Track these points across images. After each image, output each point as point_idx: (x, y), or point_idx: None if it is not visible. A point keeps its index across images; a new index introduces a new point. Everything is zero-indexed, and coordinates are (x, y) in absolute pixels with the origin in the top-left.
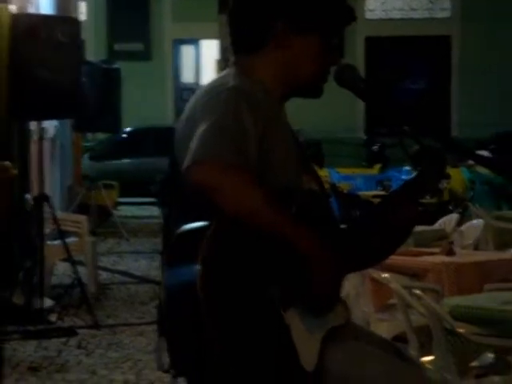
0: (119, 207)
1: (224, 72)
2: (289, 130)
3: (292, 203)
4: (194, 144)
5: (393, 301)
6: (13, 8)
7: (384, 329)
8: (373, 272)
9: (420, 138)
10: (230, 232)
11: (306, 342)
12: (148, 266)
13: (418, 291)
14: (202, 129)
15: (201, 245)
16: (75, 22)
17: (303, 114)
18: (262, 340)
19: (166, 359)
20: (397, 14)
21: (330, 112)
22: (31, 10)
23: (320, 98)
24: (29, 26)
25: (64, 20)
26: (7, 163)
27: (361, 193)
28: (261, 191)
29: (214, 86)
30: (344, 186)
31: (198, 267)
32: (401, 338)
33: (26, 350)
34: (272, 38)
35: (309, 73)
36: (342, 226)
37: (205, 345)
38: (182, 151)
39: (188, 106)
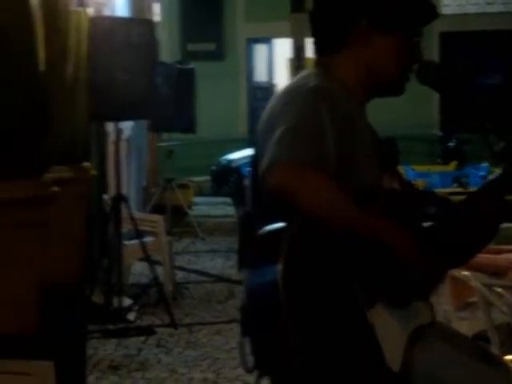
0: (194, 207)
1: (305, 72)
2: (369, 130)
3: (373, 202)
4: (272, 146)
5: (473, 299)
6: (90, 11)
7: (465, 327)
8: (453, 270)
9: (505, 134)
10: (311, 231)
11: (392, 341)
12: (223, 264)
13: (499, 289)
14: (280, 130)
15: (282, 245)
16: (150, 24)
17: (377, 112)
18: (346, 340)
19: (250, 359)
20: (472, 9)
21: (405, 109)
22: (107, 12)
23: (401, 95)
24: (105, 28)
25: (139, 22)
26: (87, 164)
27: (437, 190)
28: (340, 190)
29: (295, 87)
30: (420, 184)
31: (279, 267)
32: (481, 337)
33: (106, 349)
34: (355, 37)
35: (392, 71)
36: (425, 224)
37: (288, 345)
38: (262, 151)
39: (269, 107)
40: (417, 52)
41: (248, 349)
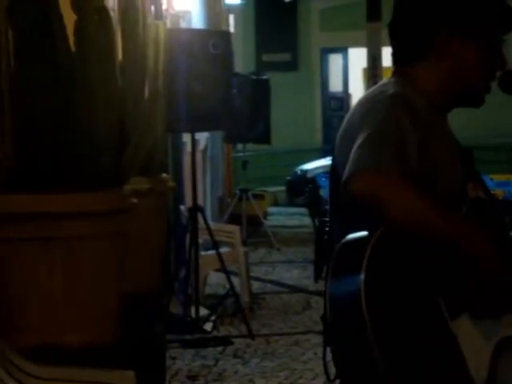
0: (269, 217)
1: (384, 81)
2: (451, 139)
3: (458, 211)
4: (354, 154)
5: None
6: (167, 23)
7: None
8: None
9: None
10: (393, 240)
11: (477, 353)
12: (299, 275)
13: None
14: (361, 138)
15: (365, 254)
16: (226, 35)
17: (454, 120)
18: (429, 351)
19: (332, 369)
20: None
21: (482, 117)
22: (183, 24)
23: (479, 107)
24: (183, 40)
25: (216, 33)
26: (165, 175)
27: None
28: (425, 198)
29: (374, 95)
30: (498, 193)
31: (362, 277)
32: None
33: (184, 359)
34: (435, 47)
35: (474, 80)
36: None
37: (371, 355)
38: (342, 160)
39: (347, 116)
40: (499, 60)
41: (330, 358)
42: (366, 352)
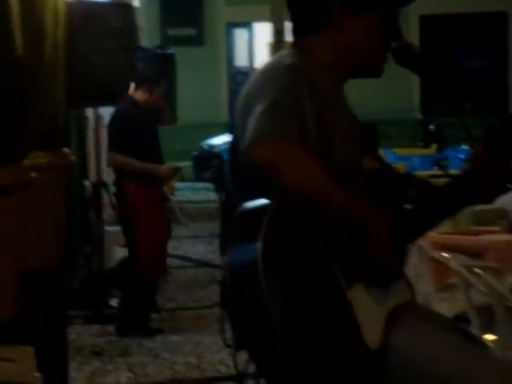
0: (176, 192)
1: (282, 52)
2: (348, 111)
3: (354, 181)
4: (252, 123)
5: (453, 280)
6: None
7: (445, 308)
8: (433, 252)
9: (481, 116)
10: (291, 209)
11: (370, 320)
12: (206, 250)
13: (478, 270)
14: (260, 108)
15: (262, 222)
16: (129, 8)
17: (357, 95)
18: (324, 317)
19: (229, 334)
20: None
21: (385, 92)
22: None
23: (380, 77)
24: (84, 13)
25: (118, 6)
26: (66, 150)
27: (417, 173)
28: (322, 167)
29: (272, 66)
30: (400, 167)
31: (259, 245)
32: (462, 318)
33: (88, 334)
34: (330, 20)
35: (368, 53)
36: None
37: (267, 320)
38: (241, 131)
39: (245, 87)
40: (393, 33)
41: (228, 323)
42: (263, 317)
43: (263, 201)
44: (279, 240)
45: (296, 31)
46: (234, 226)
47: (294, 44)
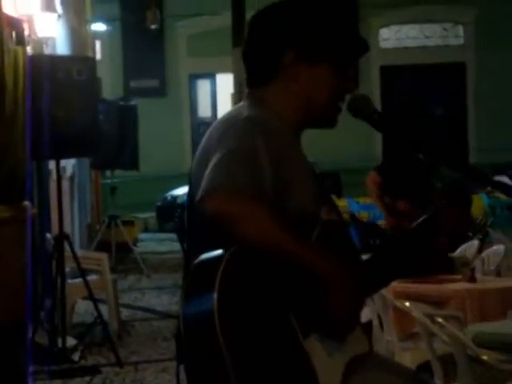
0: (139, 243)
1: (239, 104)
2: (305, 161)
3: (311, 232)
4: (207, 174)
5: (416, 329)
6: (29, 49)
7: (408, 358)
8: (395, 301)
9: (436, 166)
10: (246, 260)
11: (328, 371)
12: (170, 301)
13: (440, 319)
14: (215, 159)
15: (217, 273)
16: (90, 61)
17: (319, 145)
18: (282, 368)
19: None
20: (411, 43)
21: (347, 142)
22: (47, 50)
23: (334, 128)
24: (45, 66)
25: (80, 59)
26: (26, 203)
27: (380, 222)
28: (276, 218)
29: (228, 118)
30: (363, 216)
31: (214, 295)
32: (425, 367)
33: None
34: (283, 69)
35: (321, 104)
36: (362, 256)
37: (223, 375)
38: (198, 182)
39: (204, 139)
40: (348, 84)
41: (183, 377)
42: (219, 370)
43: (218, 252)
44: (235, 289)
45: (250, 81)
46: (188, 278)
47: (249, 95)
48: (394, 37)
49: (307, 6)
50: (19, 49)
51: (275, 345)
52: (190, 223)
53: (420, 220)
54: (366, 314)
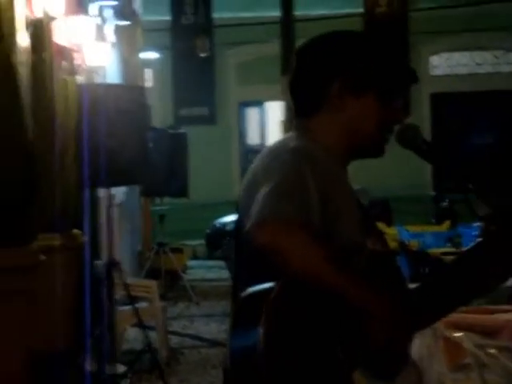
0: (188, 270)
1: (286, 135)
2: (351, 192)
3: (356, 262)
4: (256, 205)
5: (468, 360)
6: (80, 79)
7: None
8: (446, 331)
9: (486, 195)
10: (293, 294)
11: None
12: (218, 329)
13: (492, 350)
14: (263, 191)
15: (264, 307)
16: (141, 89)
17: (369, 172)
18: None
19: None
20: (462, 70)
21: (397, 169)
22: (98, 79)
23: (381, 157)
24: (96, 95)
25: (130, 88)
26: (76, 231)
27: (430, 250)
28: (325, 251)
29: (275, 149)
30: (413, 244)
31: (261, 330)
32: None
33: None
34: (330, 100)
35: (368, 134)
36: (411, 286)
37: None
38: (246, 212)
39: (251, 169)
40: (397, 114)
41: None
42: None
43: (266, 285)
44: (282, 324)
45: (297, 112)
46: (236, 311)
47: (296, 126)
48: (445, 64)
49: (356, 36)
50: (70, 78)
51: (322, 380)
52: (238, 252)
53: (470, 247)
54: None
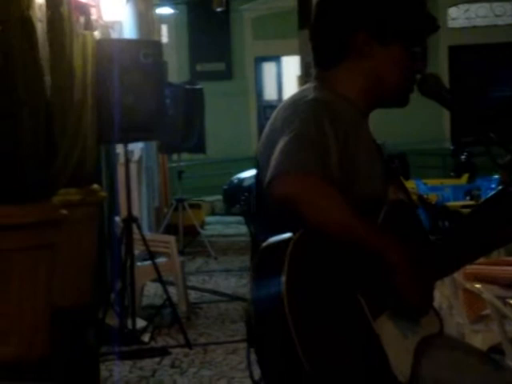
0: (206, 226)
1: (305, 86)
2: (372, 142)
3: (378, 212)
4: (275, 157)
5: (487, 311)
6: (96, 34)
7: (479, 340)
8: (466, 283)
9: (508, 144)
10: (314, 242)
11: (399, 352)
12: (237, 283)
13: None
14: (283, 142)
15: (285, 256)
16: (157, 45)
17: (387, 126)
18: (352, 351)
19: (257, 370)
20: (480, 22)
21: (415, 123)
22: (114, 35)
23: (406, 106)
24: (112, 50)
25: (146, 43)
26: (96, 186)
27: (449, 203)
28: (344, 201)
29: (294, 100)
30: (432, 197)
31: (283, 278)
32: (497, 349)
33: (121, 371)
34: (354, 48)
35: (393, 83)
36: (431, 237)
37: (294, 356)
38: (265, 165)
39: (270, 121)
40: (418, 63)
41: (254, 359)
42: (290, 353)
43: (286, 235)
44: (303, 273)
45: (318, 62)
46: (257, 261)
47: (316, 77)
48: (463, 16)
49: None
50: (87, 34)
51: (345, 326)
52: (259, 206)
53: (488, 197)
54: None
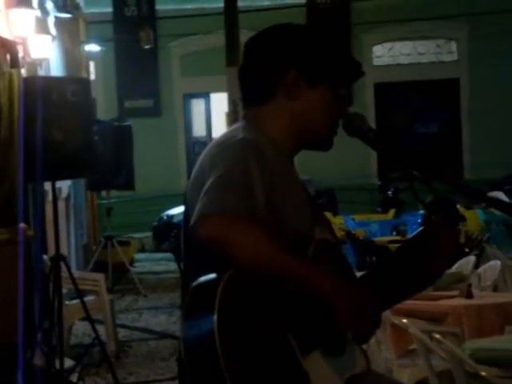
0: (136, 263)
1: (234, 126)
2: (299, 183)
3: (305, 252)
4: (201, 198)
5: (414, 346)
6: (23, 72)
7: (406, 375)
8: (393, 317)
9: (430, 182)
10: (244, 281)
11: None
12: (167, 321)
13: (438, 335)
14: (209, 182)
15: (216, 295)
16: (85, 82)
17: (315, 162)
18: None
19: None
20: (404, 60)
21: (343, 159)
22: (41, 72)
23: (329, 150)
24: (39, 88)
25: (74, 80)
26: (23, 225)
27: (376, 239)
28: (272, 239)
29: (223, 140)
30: (359, 233)
31: (214, 317)
32: None
33: None
34: (282, 89)
35: (318, 125)
36: (358, 274)
37: None
38: (193, 204)
39: (199, 159)
40: (343, 105)
41: None
42: None
43: (217, 275)
44: (234, 311)
45: (246, 102)
46: (187, 301)
47: (245, 116)
48: (388, 54)
49: (305, 29)
50: (14, 71)
51: (274, 365)
52: (186, 244)
53: (413, 235)
54: None
